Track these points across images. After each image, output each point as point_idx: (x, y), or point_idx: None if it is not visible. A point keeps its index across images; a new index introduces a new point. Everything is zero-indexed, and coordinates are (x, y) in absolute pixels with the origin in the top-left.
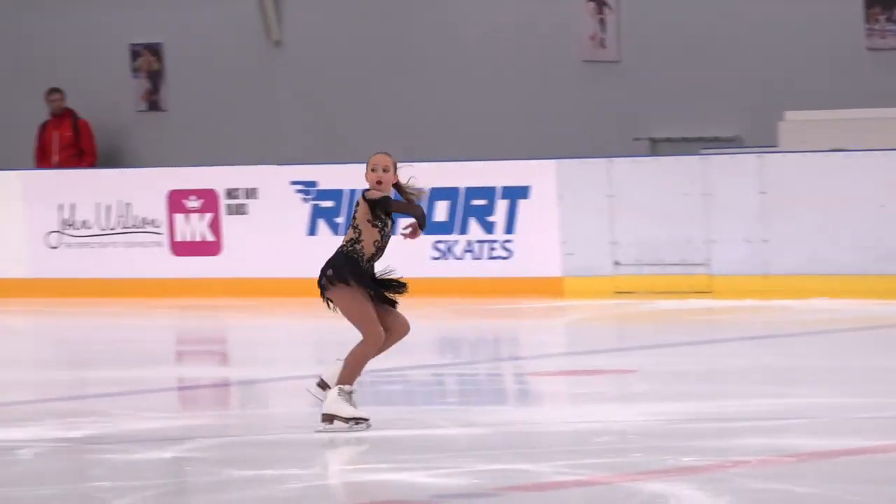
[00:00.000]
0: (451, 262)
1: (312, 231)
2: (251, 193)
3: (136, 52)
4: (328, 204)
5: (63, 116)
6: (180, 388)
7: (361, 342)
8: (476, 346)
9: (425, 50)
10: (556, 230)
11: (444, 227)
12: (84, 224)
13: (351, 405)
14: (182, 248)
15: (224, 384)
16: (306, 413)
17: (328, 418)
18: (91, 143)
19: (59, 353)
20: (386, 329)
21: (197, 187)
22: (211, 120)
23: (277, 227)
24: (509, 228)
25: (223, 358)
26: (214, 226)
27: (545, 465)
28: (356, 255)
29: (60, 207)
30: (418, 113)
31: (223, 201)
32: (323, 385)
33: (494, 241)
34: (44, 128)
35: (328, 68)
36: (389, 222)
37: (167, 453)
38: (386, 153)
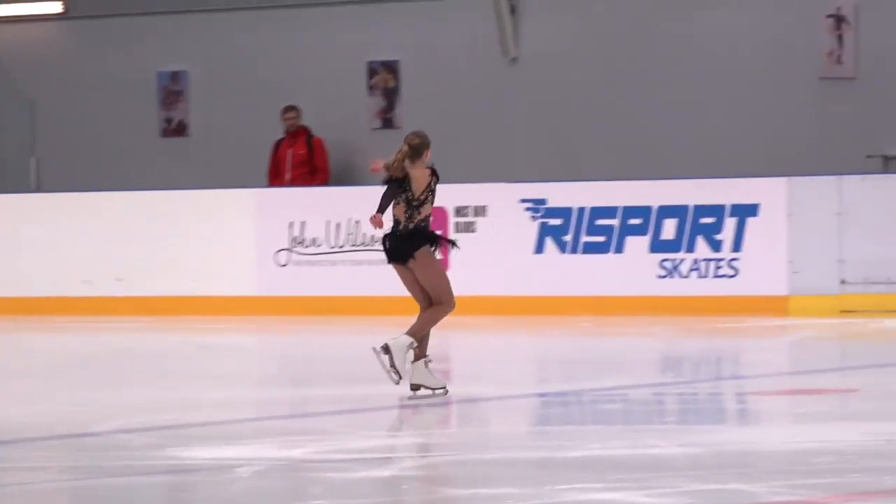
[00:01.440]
0: (677, 280)
1: (539, 249)
2: (480, 211)
3: (372, 70)
4: (556, 222)
5: (298, 134)
6: (401, 407)
7: (440, 305)
8: (698, 365)
9: (660, 67)
10: (784, 248)
11: (672, 246)
12: (314, 242)
13: (433, 375)
14: None
15: (444, 402)
16: (525, 432)
17: (416, 387)
18: (324, 160)
19: (281, 372)
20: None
21: None
22: (444, 137)
23: (505, 245)
24: (737, 246)
25: (446, 375)
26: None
27: (762, 486)
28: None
29: (291, 225)
30: (650, 130)
31: (452, 219)
32: (386, 350)
33: (721, 260)
34: (278, 145)
35: (563, 86)
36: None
37: (385, 472)
38: None
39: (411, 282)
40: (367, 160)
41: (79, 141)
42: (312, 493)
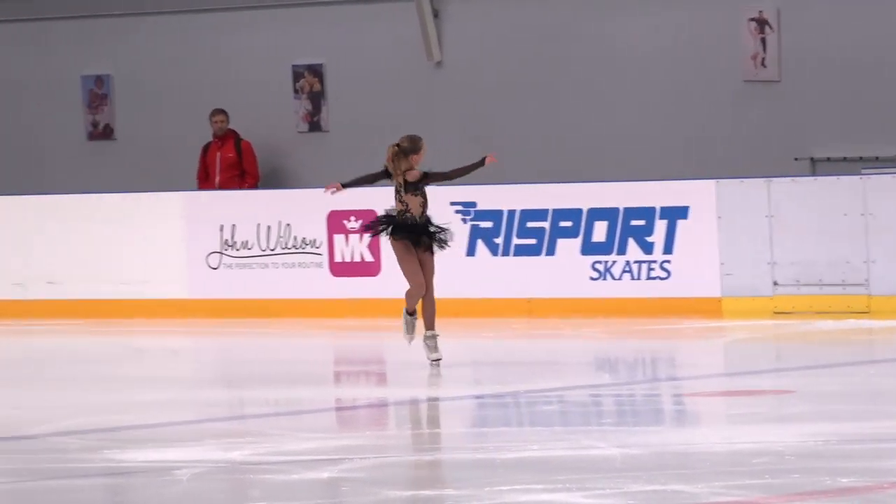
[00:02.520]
0: (610, 282)
1: (471, 251)
2: None
3: (297, 74)
4: (487, 224)
5: (226, 137)
6: (338, 409)
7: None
8: (633, 367)
9: (585, 70)
10: (715, 250)
11: (603, 248)
12: (244, 245)
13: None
14: (341, 269)
15: (382, 404)
16: (463, 433)
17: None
18: (253, 164)
19: (217, 374)
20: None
21: (357, 208)
22: (371, 140)
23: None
24: (668, 249)
25: (381, 378)
26: (373, 246)
27: (701, 486)
28: None
29: (221, 228)
30: (578, 133)
31: None
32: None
33: (653, 262)
34: (207, 149)
35: (487, 89)
36: None
37: (324, 473)
38: None
39: (413, 257)
40: (298, 164)
41: (2, 144)
42: (251, 495)
